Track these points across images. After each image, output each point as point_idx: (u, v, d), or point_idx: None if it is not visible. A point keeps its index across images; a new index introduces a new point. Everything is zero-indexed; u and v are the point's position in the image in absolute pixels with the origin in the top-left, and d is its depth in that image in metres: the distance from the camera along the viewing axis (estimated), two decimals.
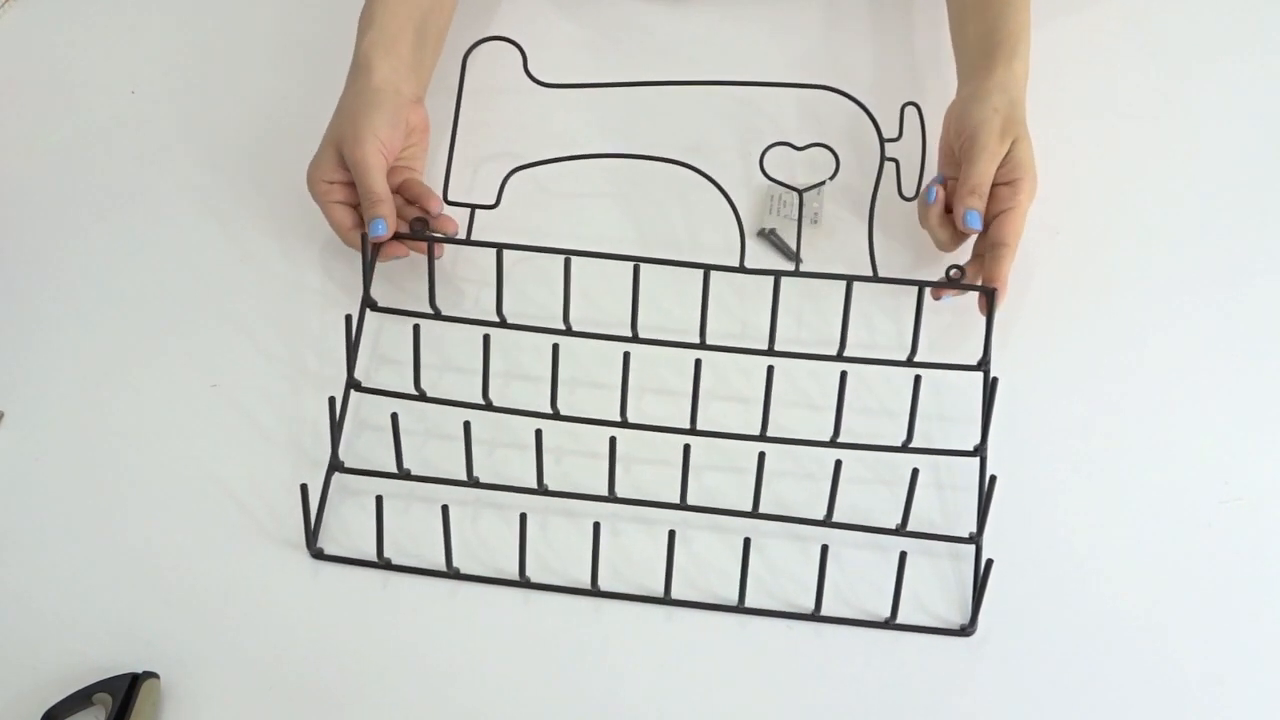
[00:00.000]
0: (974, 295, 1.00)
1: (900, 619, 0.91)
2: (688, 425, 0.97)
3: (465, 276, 1.06)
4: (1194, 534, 0.94)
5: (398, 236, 1.01)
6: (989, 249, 0.99)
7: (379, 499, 0.92)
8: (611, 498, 0.95)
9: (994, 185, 1.00)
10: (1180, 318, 1.04)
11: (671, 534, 0.90)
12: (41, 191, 1.12)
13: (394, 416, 0.94)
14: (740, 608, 0.92)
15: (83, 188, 1.12)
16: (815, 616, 0.92)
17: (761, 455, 0.92)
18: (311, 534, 0.93)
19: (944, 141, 1.05)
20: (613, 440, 0.93)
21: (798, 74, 1.09)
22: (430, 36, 1.08)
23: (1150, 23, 1.19)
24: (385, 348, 1.03)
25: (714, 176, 1.03)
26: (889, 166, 1.04)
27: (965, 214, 0.98)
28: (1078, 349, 1.02)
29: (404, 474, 0.96)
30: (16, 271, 1.07)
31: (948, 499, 0.96)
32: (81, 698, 0.87)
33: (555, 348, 0.96)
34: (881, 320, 1.03)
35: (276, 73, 1.18)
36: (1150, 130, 1.13)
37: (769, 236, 1.06)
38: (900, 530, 0.94)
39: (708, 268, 0.98)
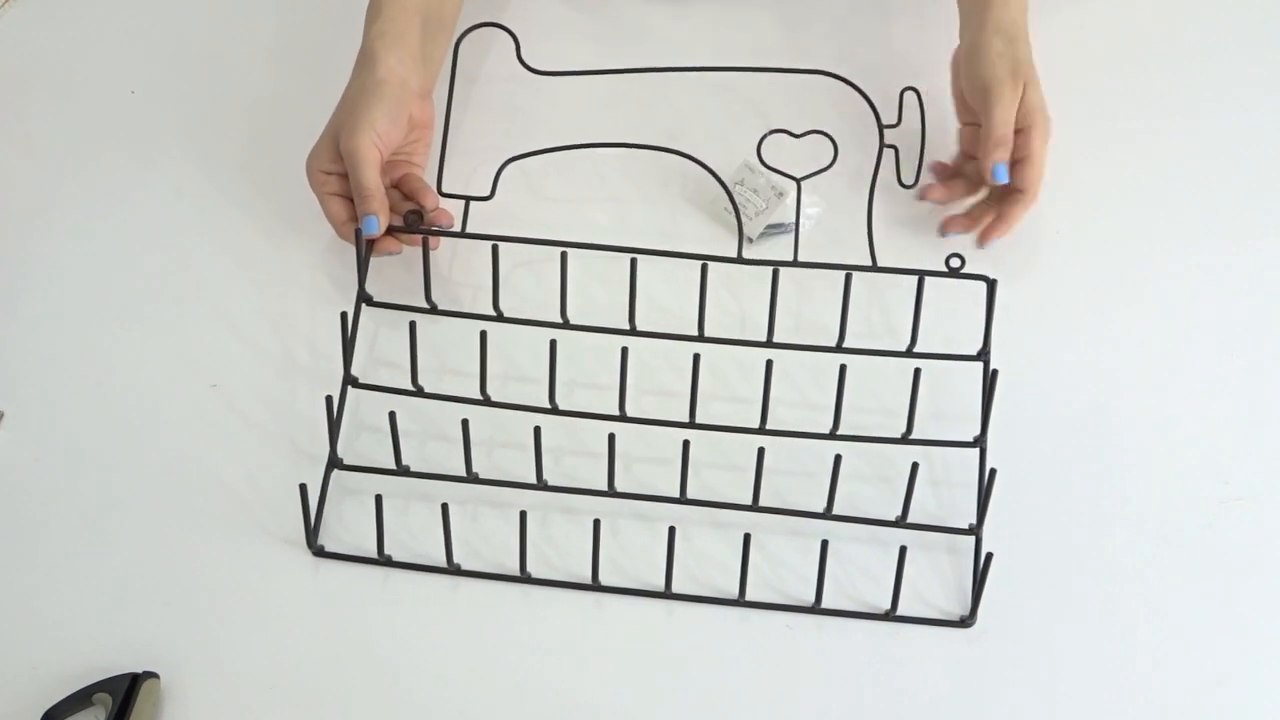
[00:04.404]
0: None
1: (900, 611, 0.91)
2: (686, 420, 0.96)
3: (461, 271, 1.05)
4: (1194, 532, 0.94)
5: (392, 230, 1.00)
6: (1007, 196, 1.02)
7: (379, 496, 0.92)
8: (611, 493, 0.95)
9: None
10: (1181, 315, 1.03)
11: (671, 529, 0.90)
12: (41, 191, 1.12)
13: (392, 414, 0.94)
14: (741, 601, 0.92)
15: (83, 188, 1.12)
16: (816, 609, 0.92)
17: (761, 450, 0.92)
18: (311, 532, 0.93)
19: (956, 89, 1.06)
20: (611, 436, 0.93)
21: (797, 64, 1.08)
22: (439, 28, 1.07)
23: (1150, 20, 1.18)
24: (382, 348, 1.02)
25: (712, 166, 1.03)
26: (888, 153, 1.04)
27: (993, 168, 1.00)
28: (1079, 345, 1.02)
29: (403, 470, 0.96)
30: (16, 271, 1.07)
31: (947, 492, 0.96)
32: (81, 698, 0.87)
33: (553, 343, 0.95)
34: (880, 311, 1.02)
35: (276, 72, 1.18)
36: (1152, 128, 1.12)
37: (768, 232, 1.06)
38: (900, 523, 0.93)
39: (705, 259, 0.97)
